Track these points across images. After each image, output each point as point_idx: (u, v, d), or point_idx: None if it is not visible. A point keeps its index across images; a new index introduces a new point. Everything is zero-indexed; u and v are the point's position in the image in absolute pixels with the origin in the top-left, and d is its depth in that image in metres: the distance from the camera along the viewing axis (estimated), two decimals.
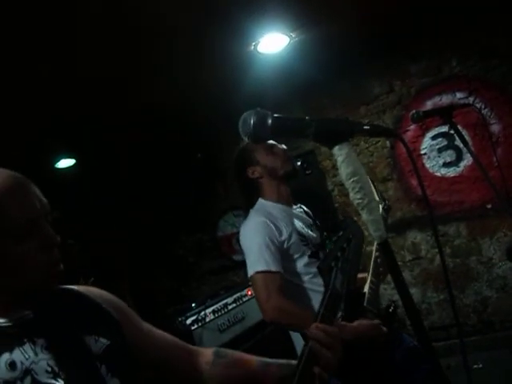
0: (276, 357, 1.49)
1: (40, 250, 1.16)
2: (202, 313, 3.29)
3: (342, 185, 4.77)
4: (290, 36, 3.82)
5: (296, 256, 2.42)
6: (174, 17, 3.12)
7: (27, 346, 1.14)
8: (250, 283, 2.57)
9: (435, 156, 4.62)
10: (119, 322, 1.35)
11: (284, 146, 2.64)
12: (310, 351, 1.16)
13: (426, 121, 4.22)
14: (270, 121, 1.14)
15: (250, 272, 2.32)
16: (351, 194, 1.08)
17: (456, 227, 4.53)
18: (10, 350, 1.11)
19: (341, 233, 2.00)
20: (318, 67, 4.35)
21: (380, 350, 2.27)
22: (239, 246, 2.54)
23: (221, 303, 3.49)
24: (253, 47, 3.85)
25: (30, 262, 1.15)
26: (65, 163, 5.15)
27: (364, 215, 1.08)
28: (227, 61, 3.95)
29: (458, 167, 4.55)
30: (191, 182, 5.50)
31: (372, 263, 2.56)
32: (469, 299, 4.48)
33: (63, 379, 1.13)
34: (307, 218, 2.65)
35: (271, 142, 2.59)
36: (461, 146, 4.23)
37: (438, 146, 4.59)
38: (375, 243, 2.62)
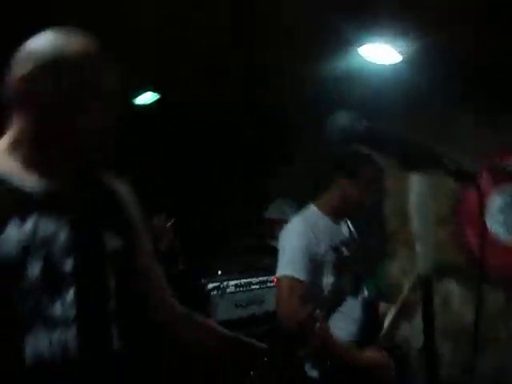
0: None
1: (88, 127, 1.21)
2: (225, 283, 3.35)
3: (402, 212, 4.71)
4: (400, 48, 3.76)
5: (325, 271, 2.45)
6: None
7: (53, 218, 1.15)
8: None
9: (500, 216, 4.44)
10: (137, 230, 1.40)
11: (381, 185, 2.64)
12: None
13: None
14: (360, 128, 1.15)
15: (279, 273, 2.38)
16: (413, 224, 1.09)
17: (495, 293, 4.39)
18: (37, 216, 1.13)
19: None
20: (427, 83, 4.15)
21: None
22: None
23: (245, 280, 3.54)
24: (360, 54, 3.83)
25: (79, 128, 1.21)
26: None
27: (418, 246, 1.09)
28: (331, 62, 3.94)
29: None
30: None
31: (401, 299, 2.56)
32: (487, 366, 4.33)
33: (74, 261, 1.16)
34: (348, 236, 2.65)
35: (377, 175, 2.59)
36: None
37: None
38: (410, 280, 2.61)
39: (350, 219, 2.71)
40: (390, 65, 3.94)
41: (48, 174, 1.21)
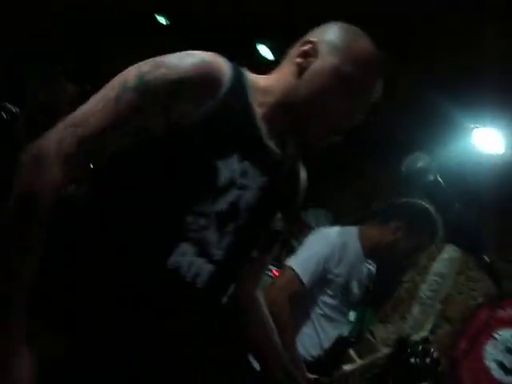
0: None
1: (339, 111, 1.26)
2: None
3: (416, 286, 4.64)
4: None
5: (329, 291, 2.45)
6: None
7: (258, 172, 1.25)
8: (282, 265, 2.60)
9: (499, 353, 4.31)
10: (293, 219, 1.55)
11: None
12: None
13: None
14: (430, 178, 1.15)
15: (289, 262, 2.39)
16: (424, 287, 1.09)
17: None
18: (251, 164, 1.22)
19: None
20: None
21: None
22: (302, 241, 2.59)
23: None
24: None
25: (328, 105, 1.25)
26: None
27: (416, 310, 1.10)
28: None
29: (508, 377, 4.23)
30: None
31: (375, 357, 2.55)
32: None
33: (245, 217, 1.25)
34: (366, 275, 2.63)
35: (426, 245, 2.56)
36: None
37: (509, 345, 4.28)
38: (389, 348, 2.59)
39: (376, 263, 2.69)
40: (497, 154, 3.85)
41: (277, 132, 1.29)
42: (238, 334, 1.66)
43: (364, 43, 1.28)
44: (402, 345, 1.08)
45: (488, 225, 3.84)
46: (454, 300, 4.54)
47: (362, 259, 2.55)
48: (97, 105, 1.11)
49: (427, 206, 2.48)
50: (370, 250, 2.56)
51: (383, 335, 4.68)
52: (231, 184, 1.18)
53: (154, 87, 1.10)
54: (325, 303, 2.47)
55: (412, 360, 1.46)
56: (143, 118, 1.11)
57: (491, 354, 4.31)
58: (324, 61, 1.25)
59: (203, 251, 1.20)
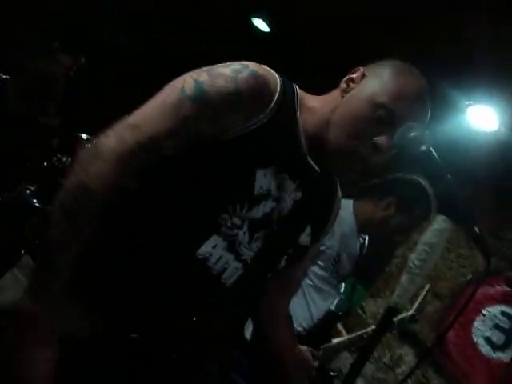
0: None
1: (366, 137, 1.25)
2: None
3: (406, 260, 4.68)
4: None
5: (320, 263, 2.46)
6: None
7: (293, 186, 1.29)
8: None
9: (487, 329, 4.36)
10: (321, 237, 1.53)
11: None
12: None
13: None
14: (423, 148, 1.14)
15: None
16: (413, 256, 1.09)
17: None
18: (288, 177, 1.27)
19: None
20: None
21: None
22: None
23: None
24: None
25: (355, 128, 1.25)
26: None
27: (404, 278, 1.10)
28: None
29: (495, 353, 4.29)
30: None
31: (358, 333, 2.58)
32: None
33: (276, 228, 1.29)
34: (358, 249, 2.64)
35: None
36: None
37: (497, 322, 4.34)
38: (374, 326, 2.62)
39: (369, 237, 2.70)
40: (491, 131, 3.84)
41: (318, 150, 1.30)
42: (256, 345, 1.77)
43: (407, 79, 1.31)
44: (389, 313, 1.08)
45: (480, 202, 3.86)
46: (443, 276, 4.58)
47: (355, 232, 2.55)
48: (157, 109, 1.17)
49: (422, 183, 2.47)
50: (362, 225, 2.56)
51: (373, 310, 4.73)
52: (267, 195, 1.23)
53: (212, 98, 1.16)
54: (315, 274, 2.48)
55: None
56: (199, 126, 1.16)
57: (479, 329, 4.37)
58: (364, 87, 1.29)
59: (233, 248, 1.24)
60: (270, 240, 1.30)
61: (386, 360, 4.59)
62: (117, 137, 1.14)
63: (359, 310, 4.78)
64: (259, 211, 1.24)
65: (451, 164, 1.28)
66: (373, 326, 2.64)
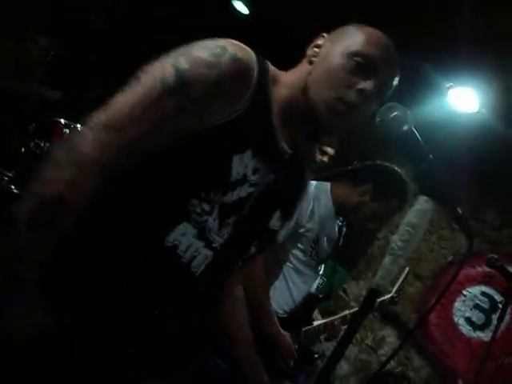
0: None
1: (345, 86, 1.23)
2: None
3: (388, 242, 4.71)
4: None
5: (299, 245, 2.46)
6: None
7: (267, 169, 1.25)
8: None
9: (467, 310, 4.43)
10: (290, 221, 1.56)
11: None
12: None
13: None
14: (404, 128, 1.12)
15: None
16: (395, 237, 1.07)
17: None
18: (263, 160, 1.22)
19: None
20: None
21: (279, 359, 2.33)
22: None
23: None
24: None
25: (334, 82, 1.23)
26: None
27: (386, 260, 1.09)
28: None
29: (475, 333, 4.36)
30: None
31: (339, 316, 2.60)
32: None
33: (247, 212, 1.25)
34: (337, 231, 2.64)
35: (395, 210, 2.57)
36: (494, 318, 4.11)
37: (478, 302, 4.40)
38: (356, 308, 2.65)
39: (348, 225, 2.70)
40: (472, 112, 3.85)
41: (291, 129, 1.29)
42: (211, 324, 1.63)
43: (371, 30, 1.31)
44: (371, 295, 1.07)
45: (461, 183, 3.88)
46: (424, 258, 4.63)
47: (333, 215, 2.55)
48: (136, 106, 1.09)
49: (401, 173, 2.47)
50: (337, 208, 2.56)
51: (356, 292, 4.77)
52: (243, 180, 1.20)
53: (195, 90, 1.12)
54: (295, 257, 2.48)
55: None
56: (181, 121, 1.12)
57: (460, 310, 4.43)
58: (334, 45, 1.28)
59: (203, 235, 1.20)
60: (240, 225, 1.25)
61: (368, 342, 4.63)
62: (95, 141, 1.06)
63: (341, 293, 4.82)
64: (233, 196, 1.20)
65: (432, 145, 1.27)
66: (354, 309, 2.66)
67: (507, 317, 3.88)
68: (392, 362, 4.29)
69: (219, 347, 1.90)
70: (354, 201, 2.50)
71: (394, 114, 1.12)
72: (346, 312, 2.67)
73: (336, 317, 2.64)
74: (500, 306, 2.81)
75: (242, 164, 1.18)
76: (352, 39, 1.27)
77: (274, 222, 1.37)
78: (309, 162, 1.50)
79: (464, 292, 4.43)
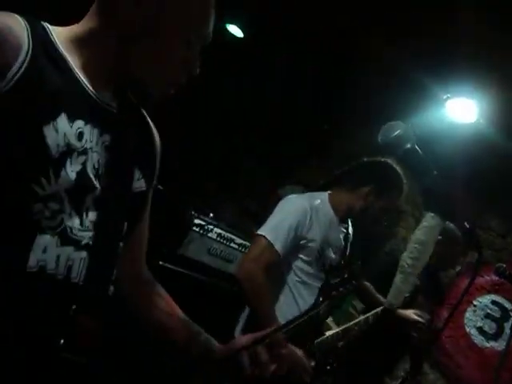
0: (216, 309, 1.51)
1: (179, 64, 1.17)
2: (212, 226, 3.37)
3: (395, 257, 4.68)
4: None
5: (303, 257, 2.46)
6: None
7: (96, 131, 1.10)
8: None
9: (478, 319, 4.39)
10: (152, 186, 1.34)
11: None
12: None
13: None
14: (407, 146, 1.14)
15: (261, 231, 2.38)
16: (405, 255, 1.09)
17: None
18: (85, 122, 1.06)
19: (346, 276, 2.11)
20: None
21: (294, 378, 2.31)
22: None
23: (230, 235, 3.56)
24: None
25: (169, 59, 1.16)
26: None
27: (397, 278, 1.10)
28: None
29: (488, 342, 4.32)
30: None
31: (351, 323, 2.58)
32: None
33: (100, 185, 1.09)
34: (342, 240, 2.64)
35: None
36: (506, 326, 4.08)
37: (488, 311, 4.37)
38: (367, 315, 2.63)
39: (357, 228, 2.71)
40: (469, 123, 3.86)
41: (108, 82, 1.17)
42: (137, 322, 1.46)
43: None
44: (385, 314, 1.07)
45: (463, 193, 3.87)
46: None
47: (335, 223, 2.56)
48: None
49: (391, 163, 2.52)
50: (343, 215, 2.57)
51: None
52: (69, 150, 1.01)
53: None
54: (301, 269, 2.47)
55: None
56: None
57: (471, 320, 4.39)
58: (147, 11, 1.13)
59: (67, 238, 1.03)
60: (101, 204, 1.09)
61: None
62: None
63: (351, 310, 4.78)
64: (70, 174, 1.01)
65: (433, 155, 1.28)
66: (363, 316, 2.64)
67: None
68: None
69: None
70: (359, 205, 2.52)
71: (397, 132, 1.13)
72: (357, 320, 2.64)
73: (351, 323, 2.61)
74: (511, 314, 2.79)
75: (59, 133, 0.99)
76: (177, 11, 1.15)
77: (137, 184, 1.22)
78: (149, 107, 1.33)
79: (474, 302, 4.40)
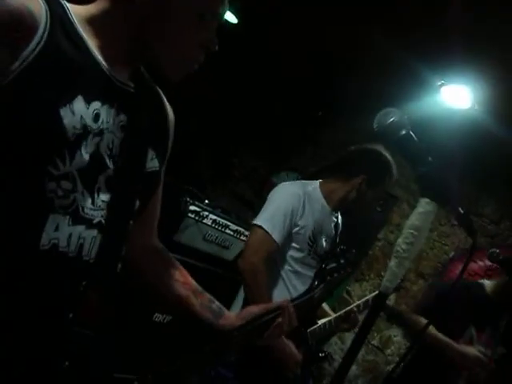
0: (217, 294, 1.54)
1: (196, 44, 1.17)
2: (207, 213, 3.38)
3: (390, 244, 4.71)
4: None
5: (295, 245, 2.47)
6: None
7: (112, 111, 1.11)
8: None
9: None
10: (165, 164, 1.36)
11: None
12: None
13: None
14: (402, 132, 1.14)
15: (257, 221, 2.39)
16: (400, 240, 1.09)
17: None
18: (101, 103, 1.07)
19: (342, 262, 2.12)
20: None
21: (285, 370, 2.33)
22: None
23: (225, 221, 3.56)
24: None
25: (184, 39, 1.15)
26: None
27: (392, 263, 1.10)
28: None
29: None
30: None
31: (345, 311, 2.60)
32: None
33: (113, 165, 1.11)
34: (333, 228, 2.66)
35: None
36: None
37: None
38: (366, 298, 2.65)
39: (343, 214, 2.72)
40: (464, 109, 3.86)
41: (126, 62, 1.17)
42: (152, 293, 1.52)
43: None
44: (379, 299, 1.08)
45: (458, 180, 3.89)
46: (426, 256, 4.64)
47: (327, 212, 2.58)
48: None
49: (380, 150, 2.55)
50: (334, 203, 2.59)
51: (360, 293, 4.77)
52: (85, 132, 1.03)
53: None
54: (293, 258, 2.49)
55: None
56: None
57: None
58: None
59: (78, 217, 1.05)
60: (113, 183, 1.11)
61: (375, 342, 4.63)
62: None
63: (346, 295, 4.82)
64: (84, 155, 1.03)
65: (428, 141, 1.29)
66: (355, 303, 2.67)
67: None
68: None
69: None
70: (352, 196, 2.55)
71: (391, 119, 1.14)
72: (348, 308, 2.66)
73: (341, 312, 2.63)
74: None
75: (76, 115, 1.00)
76: None
77: (150, 164, 1.24)
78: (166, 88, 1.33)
79: None
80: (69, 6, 1.08)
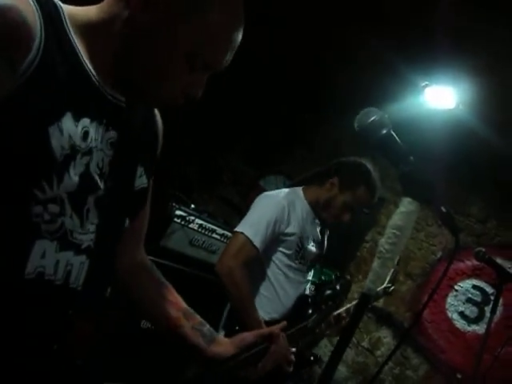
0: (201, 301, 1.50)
1: (177, 85, 1.08)
2: (193, 217, 3.36)
3: (377, 244, 4.72)
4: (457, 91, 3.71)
5: (284, 250, 2.48)
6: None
7: (101, 128, 1.05)
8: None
9: (460, 304, 4.45)
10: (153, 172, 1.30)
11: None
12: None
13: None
14: (383, 132, 1.13)
15: (239, 228, 2.39)
16: (382, 240, 1.08)
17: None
18: (90, 120, 1.01)
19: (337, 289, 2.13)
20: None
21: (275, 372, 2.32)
22: None
23: (211, 226, 3.55)
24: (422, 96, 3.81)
25: (166, 74, 1.05)
26: None
27: (375, 263, 1.10)
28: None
29: (470, 326, 4.37)
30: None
31: (333, 315, 2.60)
32: None
33: (103, 185, 1.06)
34: (319, 233, 2.67)
35: (370, 200, 2.61)
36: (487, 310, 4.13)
37: (470, 296, 4.42)
38: (348, 306, 2.65)
39: (325, 223, 2.72)
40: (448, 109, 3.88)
41: (113, 82, 1.08)
42: (137, 309, 1.46)
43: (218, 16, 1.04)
44: (363, 299, 1.07)
45: (443, 180, 3.90)
46: (414, 256, 4.65)
47: (312, 217, 2.59)
48: None
49: (363, 162, 2.58)
50: (317, 209, 2.60)
51: (348, 295, 4.77)
52: (73, 152, 0.95)
53: None
54: (282, 262, 2.50)
55: None
56: None
57: (453, 305, 4.44)
58: (159, 22, 1.01)
59: (67, 243, 0.99)
60: (104, 204, 1.05)
61: (364, 344, 4.63)
62: None
63: None
64: (72, 178, 0.96)
65: (410, 141, 1.28)
66: (343, 308, 2.66)
67: (500, 308, 3.92)
68: (390, 362, 4.29)
69: None
70: (324, 197, 2.56)
71: (372, 118, 1.13)
72: (335, 312, 2.65)
73: (320, 316, 2.63)
74: (492, 298, 2.83)
75: (64, 135, 0.93)
76: (189, 30, 1.03)
77: (139, 181, 1.19)
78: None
79: (455, 287, 4.44)
80: (65, 8, 1.01)
